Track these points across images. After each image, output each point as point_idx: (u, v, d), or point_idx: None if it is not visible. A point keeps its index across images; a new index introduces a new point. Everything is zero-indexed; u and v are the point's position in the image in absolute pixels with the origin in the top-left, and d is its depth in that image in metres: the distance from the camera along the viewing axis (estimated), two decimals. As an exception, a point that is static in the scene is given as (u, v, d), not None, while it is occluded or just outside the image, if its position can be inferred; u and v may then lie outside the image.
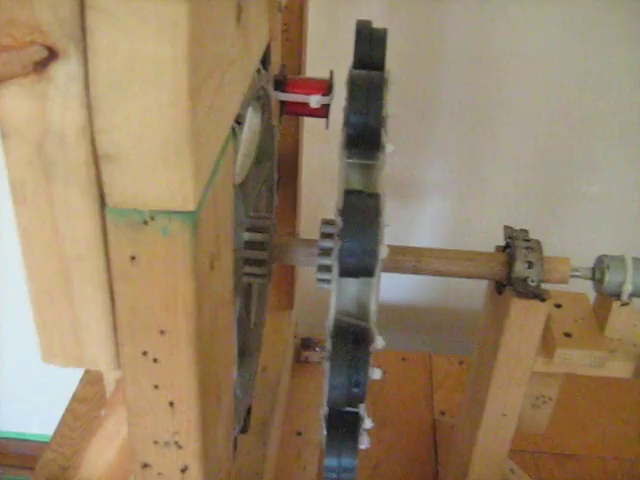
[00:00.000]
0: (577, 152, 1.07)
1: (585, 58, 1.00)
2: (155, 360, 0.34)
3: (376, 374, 0.51)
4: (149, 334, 0.33)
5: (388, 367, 1.08)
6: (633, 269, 0.66)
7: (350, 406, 0.51)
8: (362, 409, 0.52)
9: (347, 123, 0.52)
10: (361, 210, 0.47)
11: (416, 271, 0.66)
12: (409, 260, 0.66)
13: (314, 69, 0.82)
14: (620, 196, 1.10)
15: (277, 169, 0.73)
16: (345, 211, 0.47)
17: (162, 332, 0.33)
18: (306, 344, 1.04)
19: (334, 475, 0.52)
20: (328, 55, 0.91)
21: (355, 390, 0.49)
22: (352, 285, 0.51)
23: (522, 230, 0.68)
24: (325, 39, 0.97)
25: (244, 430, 0.69)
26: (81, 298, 0.32)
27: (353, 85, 0.52)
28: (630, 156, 1.07)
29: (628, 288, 0.66)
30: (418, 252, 0.66)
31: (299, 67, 0.80)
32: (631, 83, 1.02)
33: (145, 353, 0.34)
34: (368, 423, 0.52)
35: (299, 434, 0.93)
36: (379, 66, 0.57)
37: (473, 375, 0.78)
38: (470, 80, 1.03)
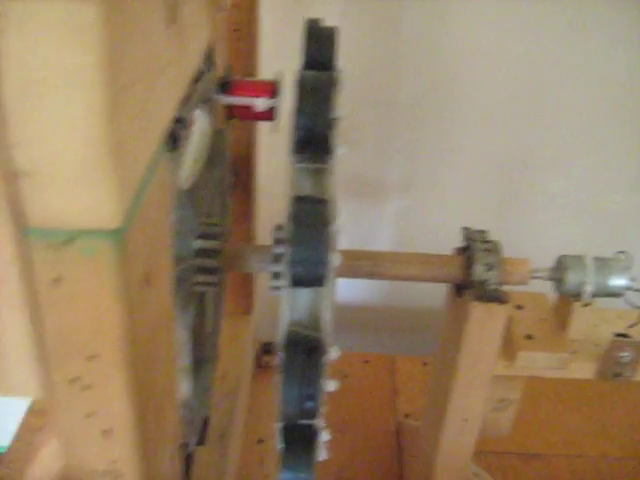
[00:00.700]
0: (536, 151, 1.07)
1: (544, 54, 1.00)
2: (86, 387, 0.32)
3: (331, 386, 0.49)
4: (78, 360, 0.31)
5: (350, 370, 1.07)
6: (594, 269, 0.65)
7: (305, 419, 0.49)
8: (318, 422, 0.50)
9: (295, 126, 0.50)
10: (309, 217, 0.45)
11: (372, 276, 0.64)
12: (364, 265, 0.64)
13: (272, 70, 0.80)
14: (579, 194, 1.09)
15: (232, 173, 0.71)
16: (293, 218, 0.45)
17: (92, 357, 0.31)
18: (267, 349, 1.02)
19: (291, 490, 0.50)
20: (287, 55, 0.89)
21: (309, 404, 0.47)
22: (304, 294, 0.49)
23: (480, 231, 0.67)
24: (282, 39, 0.95)
25: (201, 442, 0.67)
26: (2, 324, 0.30)
27: (300, 87, 0.50)
28: (589, 154, 1.07)
29: (589, 288, 0.65)
30: (374, 256, 0.65)
31: (253, 68, 0.78)
32: (589, 78, 1.01)
33: (75, 380, 0.32)
34: (325, 436, 0.50)
35: (261, 442, 0.91)
36: (329, 66, 0.55)
37: (435, 379, 0.77)
38: (428, 78, 1.02)
